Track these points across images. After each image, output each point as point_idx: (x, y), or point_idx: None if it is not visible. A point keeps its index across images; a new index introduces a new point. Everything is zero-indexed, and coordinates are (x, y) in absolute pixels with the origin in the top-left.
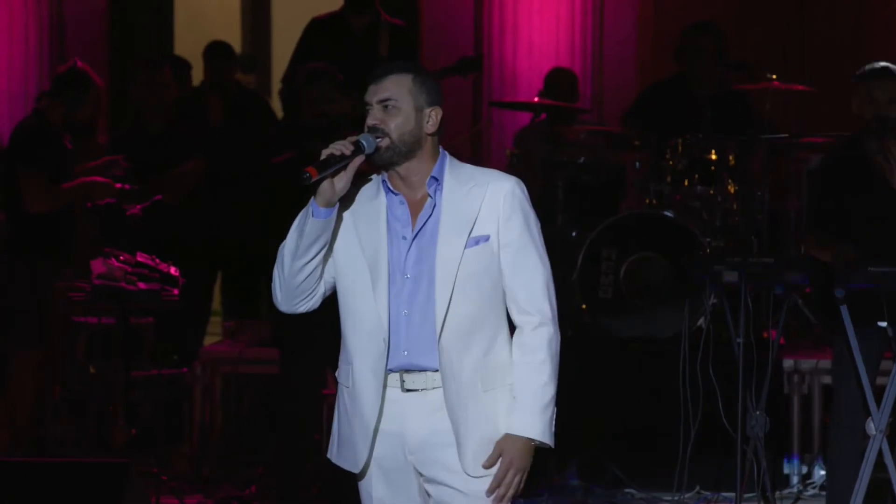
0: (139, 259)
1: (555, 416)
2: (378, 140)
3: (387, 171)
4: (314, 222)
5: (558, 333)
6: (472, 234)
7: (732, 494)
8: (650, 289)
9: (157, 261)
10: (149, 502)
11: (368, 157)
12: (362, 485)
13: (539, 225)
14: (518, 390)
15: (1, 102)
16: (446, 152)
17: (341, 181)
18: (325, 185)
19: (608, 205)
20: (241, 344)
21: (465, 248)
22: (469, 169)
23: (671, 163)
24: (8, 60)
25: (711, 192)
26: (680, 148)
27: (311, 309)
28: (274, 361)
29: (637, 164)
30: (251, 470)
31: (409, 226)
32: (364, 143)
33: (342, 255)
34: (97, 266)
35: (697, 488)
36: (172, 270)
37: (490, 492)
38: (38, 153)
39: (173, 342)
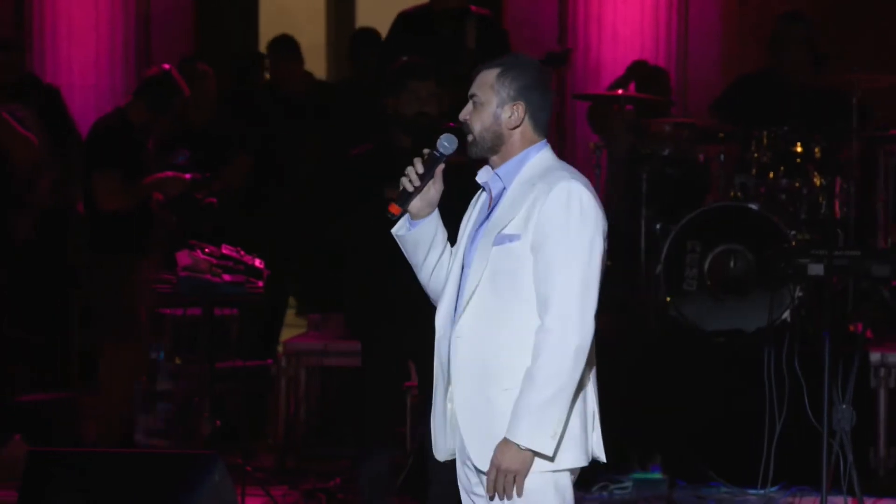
0: (224, 251)
1: (551, 419)
2: (468, 136)
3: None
4: (401, 238)
5: (572, 338)
6: (503, 232)
7: (818, 489)
8: (735, 282)
9: (242, 253)
10: (234, 494)
11: (459, 152)
12: (457, 474)
13: (589, 230)
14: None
15: (88, 97)
16: (540, 147)
17: (429, 192)
18: (414, 204)
19: (692, 197)
20: (325, 336)
21: (492, 245)
22: (547, 168)
23: (756, 155)
24: (95, 56)
25: (797, 184)
26: (765, 140)
27: None
28: (358, 354)
29: (722, 156)
30: (336, 462)
31: (480, 218)
32: (445, 144)
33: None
34: (182, 258)
35: (783, 482)
36: (257, 262)
37: (487, 492)
38: (111, 152)
39: (258, 334)
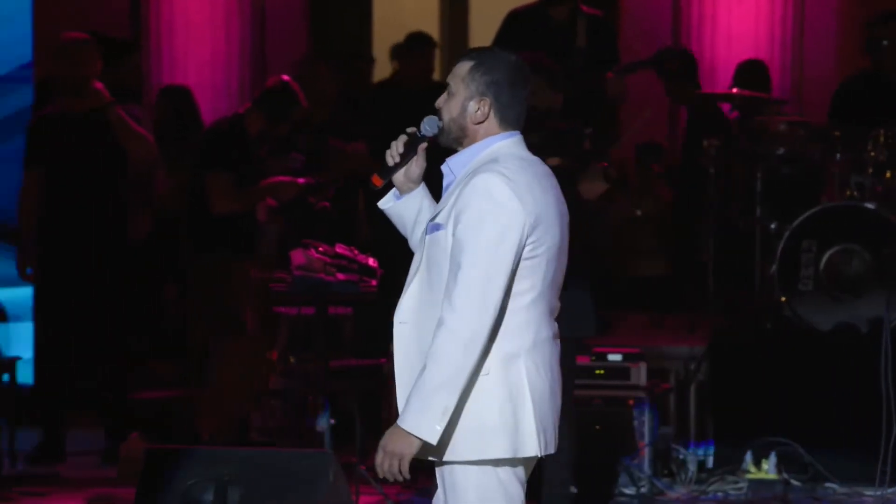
0: (338, 250)
1: (436, 408)
2: (440, 123)
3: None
4: (385, 211)
5: (463, 330)
6: (434, 221)
7: None
8: (851, 281)
9: (356, 252)
10: (348, 492)
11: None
12: None
13: (500, 221)
14: None
15: (204, 95)
16: (500, 139)
17: (411, 169)
18: (396, 178)
19: (808, 197)
20: None
21: (426, 233)
22: (492, 160)
23: (873, 154)
24: (211, 54)
25: None
26: (882, 139)
27: None
28: None
29: (838, 155)
30: None
31: None
32: (426, 127)
33: None
34: (297, 257)
35: None
36: (371, 261)
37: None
38: (225, 154)
39: (371, 333)
